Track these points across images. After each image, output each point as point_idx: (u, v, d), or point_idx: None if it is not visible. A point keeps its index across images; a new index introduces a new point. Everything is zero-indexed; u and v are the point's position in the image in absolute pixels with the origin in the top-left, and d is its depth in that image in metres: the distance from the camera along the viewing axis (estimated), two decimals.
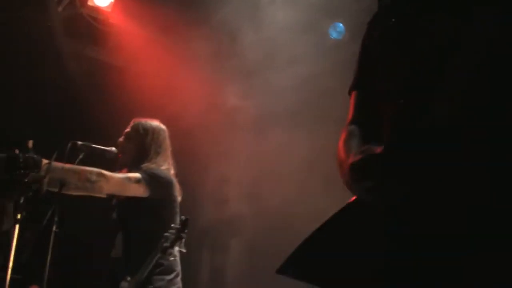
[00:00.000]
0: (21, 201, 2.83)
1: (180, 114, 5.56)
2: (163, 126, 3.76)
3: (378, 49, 1.64)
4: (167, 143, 3.72)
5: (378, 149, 1.38)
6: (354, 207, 1.45)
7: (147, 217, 3.43)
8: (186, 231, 3.18)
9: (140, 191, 3.35)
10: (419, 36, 1.49)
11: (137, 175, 3.36)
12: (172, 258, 3.26)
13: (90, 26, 5.93)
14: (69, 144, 3.40)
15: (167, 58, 6.00)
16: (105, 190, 3.25)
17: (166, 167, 3.60)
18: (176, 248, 3.20)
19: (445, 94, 1.31)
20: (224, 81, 5.84)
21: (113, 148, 3.63)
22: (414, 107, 1.39)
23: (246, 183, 6.40)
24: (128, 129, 3.71)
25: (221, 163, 6.63)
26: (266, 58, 5.60)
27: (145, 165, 3.50)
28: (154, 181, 3.40)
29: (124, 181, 3.31)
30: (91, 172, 3.16)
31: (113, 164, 3.67)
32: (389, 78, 1.56)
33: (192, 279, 6.60)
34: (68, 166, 3.13)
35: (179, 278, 3.48)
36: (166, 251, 3.16)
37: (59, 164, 3.04)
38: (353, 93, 1.76)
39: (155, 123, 3.75)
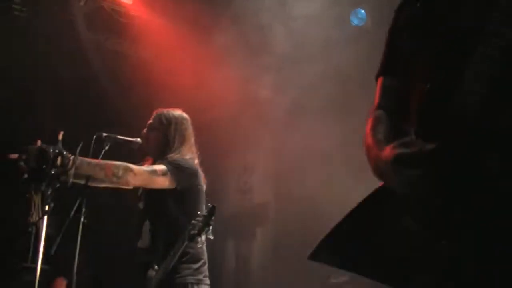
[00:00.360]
0: (49, 192, 2.87)
1: (205, 105, 5.58)
2: (185, 115, 3.76)
3: (405, 35, 1.64)
4: (190, 132, 3.73)
5: (429, 145, 1.35)
6: (384, 194, 1.45)
7: (173, 207, 3.46)
8: (213, 218, 3.20)
9: (166, 183, 3.37)
10: (445, 19, 1.49)
11: (162, 167, 3.38)
12: (199, 246, 3.28)
13: (111, 19, 5.96)
14: (95, 136, 3.44)
15: (190, 49, 6.01)
16: (132, 184, 3.26)
17: (190, 156, 3.62)
18: (204, 236, 3.22)
19: (473, 79, 1.30)
20: (251, 73, 5.83)
21: (138, 139, 3.66)
22: (442, 93, 1.38)
23: (271, 172, 6.42)
24: (151, 121, 3.72)
25: (247, 153, 6.66)
26: (294, 50, 5.58)
27: (169, 156, 3.52)
28: (180, 172, 3.42)
29: (151, 174, 3.33)
30: (117, 167, 3.16)
31: (138, 155, 3.70)
32: (415, 63, 1.56)
33: (218, 267, 6.66)
34: (94, 161, 3.13)
35: (205, 267, 3.51)
36: (194, 239, 3.18)
37: (85, 160, 3.06)
38: (380, 79, 1.76)
39: (178, 112, 3.76)
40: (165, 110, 3.74)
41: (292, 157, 5.85)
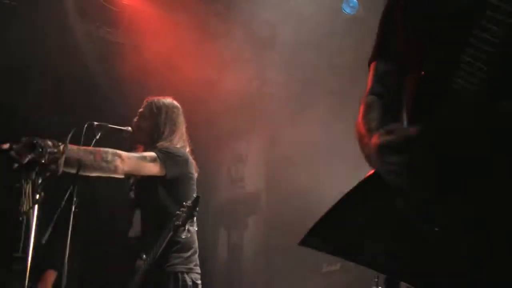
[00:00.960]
0: (39, 182, 2.86)
1: (198, 95, 5.57)
2: (176, 103, 3.76)
3: (400, 17, 1.62)
4: (182, 120, 3.72)
5: (411, 130, 1.34)
6: (375, 181, 1.45)
7: (163, 195, 3.46)
8: (197, 209, 3.20)
9: (156, 170, 3.37)
10: (443, 1, 1.47)
11: (152, 154, 3.37)
12: (186, 236, 3.28)
13: (103, 8, 5.92)
14: (86, 125, 3.43)
15: (184, 38, 5.99)
16: (121, 169, 3.26)
17: (182, 144, 3.62)
18: (188, 227, 3.23)
19: (472, 57, 1.28)
20: (247, 64, 5.81)
21: (129, 128, 3.66)
22: (440, 75, 1.37)
23: (263, 162, 6.44)
24: (141, 109, 3.72)
25: (239, 142, 6.66)
26: (290, 42, 5.56)
27: (160, 144, 3.52)
28: (170, 159, 3.42)
29: (140, 160, 3.33)
30: (106, 152, 3.17)
31: (128, 144, 3.69)
32: (411, 48, 1.55)
33: (210, 256, 6.68)
34: (83, 147, 3.15)
35: (196, 256, 3.51)
36: (178, 230, 3.19)
37: (74, 146, 3.07)
38: (372, 64, 1.73)
39: (168, 100, 3.75)
40: (155, 98, 3.74)
41: (284, 146, 5.86)
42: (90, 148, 3.20)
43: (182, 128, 3.71)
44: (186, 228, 3.21)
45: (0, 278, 4.98)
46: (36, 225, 2.93)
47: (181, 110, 3.75)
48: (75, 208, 3.11)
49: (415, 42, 1.53)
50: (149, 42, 6.14)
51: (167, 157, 3.41)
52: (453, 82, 1.31)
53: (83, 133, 3.37)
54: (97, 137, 3.47)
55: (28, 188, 2.85)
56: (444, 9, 1.45)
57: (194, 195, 3.26)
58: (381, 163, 1.38)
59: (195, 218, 3.20)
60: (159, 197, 3.46)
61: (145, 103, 3.74)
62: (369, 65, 1.76)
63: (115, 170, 3.23)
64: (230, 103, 5.93)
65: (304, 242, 1.47)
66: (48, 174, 2.89)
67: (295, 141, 5.62)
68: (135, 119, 3.71)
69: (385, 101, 1.63)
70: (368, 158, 1.49)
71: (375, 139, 1.42)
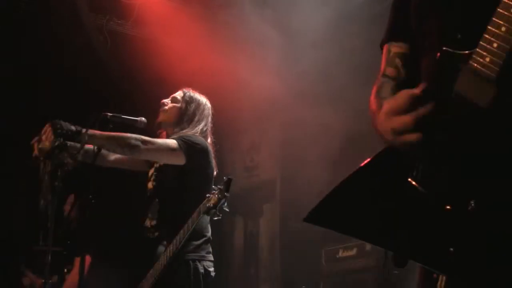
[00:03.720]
0: (58, 173, 2.90)
1: (211, 84, 5.57)
2: (209, 103, 3.79)
3: (414, 2, 1.62)
4: (209, 120, 3.75)
5: (415, 90, 1.33)
6: (386, 158, 1.45)
7: (182, 185, 3.48)
8: (229, 190, 3.21)
9: (177, 158, 3.39)
10: None
11: (173, 141, 3.40)
12: (218, 217, 3.28)
13: (113, 0, 5.94)
14: (100, 116, 3.46)
15: (194, 28, 5.98)
16: (144, 154, 3.31)
17: (204, 135, 3.65)
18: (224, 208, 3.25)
19: (491, 43, 1.27)
20: (259, 52, 5.79)
21: (143, 118, 3.68)
22: (455, 59, 1.35)
23: (277, 149, 6.44)
24: (175, 94, 3.75)
25: (253, 130, 6.67)
26: (299, 30, 5.53)
27: (184, 131, 3.55)
28: (190, 148, 3.43)
29: (162, 146, 3.36)
30: (129, 137, 3.22)
31: (144, 134, 3.72)
32: (427, 28, 1.54)
33: (227, 243, 6.72)
34: (106, 132, 3.22)
35: (209, 244, 3.52)
36: (209, 212, 3.19)
37: (97, 131, 3.14)
38: (385, 47, 1.73)
39: (203, 96, 3.80)
40: (192, 90, 3.78)
41: (299, 133, 5.85)
42: (113, 133, 3.24)
43: (208, 122, 3.74)
44: (217, 209, 3.21)
45: (20, 269, 5.05)
46: (55, 215, 2.97)
47: (211, 110, 3.78)
48: (91, 199, 3.15)
49: (433, 22, 1.52)
50: (160, 33, 6.15)
51: (188, 146, 3.42)
52: (472, 60, 1.30)
53: (97, 124, 3.40)
54: (111, 126, 3.50)
55: (47, 179, 2.89)
56: None
57: (225, 178, 3.26)
58: (390, 129, 1.36)
59: (226, 200, 3.20)
60: (178, 185, 3.48)
61: (180, 90, 3.77)
62: (381, 47, 1.76)
63: (138, 154, 3.30)
64: (243, 92, 5.93)
65: (308, 219, 1.47)
66: (66, 165, 2.93)
67: (309, 127, 5.61)
68: (165, 100, 3.73)
69: (398, 82, 1.63)
70: (377, 131, 1.49)
71: (383, 108, 1.42)
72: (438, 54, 1.39)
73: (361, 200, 1.46)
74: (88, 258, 4.52)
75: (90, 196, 3.11)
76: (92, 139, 3.11)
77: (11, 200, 5.56)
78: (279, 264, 6.17)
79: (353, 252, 4.88)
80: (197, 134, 3.58)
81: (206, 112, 3.74)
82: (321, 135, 5.43)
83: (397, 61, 1.66)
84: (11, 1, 5.53)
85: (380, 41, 1.76)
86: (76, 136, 3.05)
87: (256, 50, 5.77)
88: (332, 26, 5.23)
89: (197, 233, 3.43)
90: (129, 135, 3.24)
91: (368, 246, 4.62)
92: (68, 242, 3.99)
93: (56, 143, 2.97)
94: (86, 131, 3.06)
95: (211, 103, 3.85)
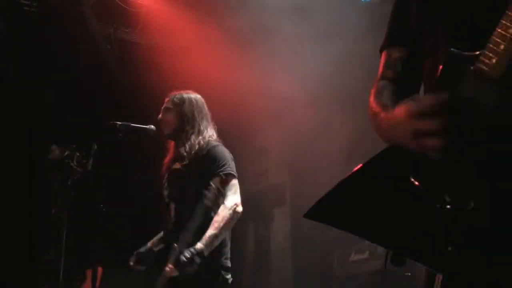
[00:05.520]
0: (69, 182, 2.92)
1: (218, 90, 5.59)
2: (198, 95, 3.82)
3: (415, 4, 1.65)
4: (206, 109, 3.77)
5: (441, 96, 1.33)
6: (386, 157, 1.47)
7: (200, 191, 3.52)
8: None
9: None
10: None
11: (234, 180, 3.57)
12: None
13: (119, 8, 5.97)
14: (109, 125, 3.47)
15: (200, 35, 6.00)
16: (240, 213, 3.50)
17: (211, 133, 3.70)
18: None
19: (498, 45, 1.28)
20: (265, 56, 5.80)
21: (152, 126, 3.69)
22: (461, 61, 1.37)
23: (286, 153, 6.44)
24: (164, 105, 3.76)
25: (261, 135, 6.67)
26: (303, 32, 5.53)
27: (192, 137, 3.56)
28: (233, 167, 3.61)
29: (238, 190, 3.58)
30: (229, 219, 3.41)
31: (152, 141, 3.73)
32: (430, 32, 1.57)
33: (238, 248, 6.71)
34: (213, 232, 3.32)
35: (226, 249, 3.56)
36: (209, 208, 3.30)
37: (207, 239, 3.27)
38: (384, 52, 1.77)
39: (189, 92, 3.82)
40: (176, 92, 3.79)
41: (307, 136, 5.85)
42: (216, 229, 3.34)
43: (208, 116, 3.77)
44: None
45: (33, 279, 5.07)
46: (67, 225, 2.99)
47: (203, 100, 3.80)
48: (102, 207, 3.17)
49: (437, 24, 1.55)
50: (167, 40, 6.17)
51: (233, 171, 3.59)
52: (478, 62, 1.31)
53: (106, 133, 3.42)
54: (120, 134, 3.51)
55: (58, 188, 2.91)
56: None
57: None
58: (411, 130, 1.35)
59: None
60: (195, 192, 3.48)
61: (166, 99, 3.78)
62: (380, 52, 1.79)
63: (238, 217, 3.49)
64: (251, 97, 5.94)
65: (309, 215, 1.50)
66: (77, 173, 2.95)
67: (317, 131, 5.61)
68: (159, 115, 3.74)
69: (398, 85, 1.66)
70: (385, 131, 1.51)
71: (401, 109, 1.42)
72: (445, 54, 1.40)
73: (360, 198, 1.47)
74: (100, 269, 4.53)
75: (101, 205, 3.13)
76: (208, 249, 3.27)
77: (24, 209, 5.58)
78: (290, 268, 6.16)
79: (365, 255, 4.87)
80: (208, 135, 3.61)
81: (200, 104, 3.76)
82: (330, 138, 5.43)
83: (398, 65, 1.70)
84: (19, 11, 5.58)
85: (380, 46, 1.79)
86: (200, 258, 3.21)
87: (264, 54, 5.77)
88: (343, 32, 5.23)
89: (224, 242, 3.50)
90: (225, 216, 3.39)
91: (380, 249, 4.61)
92: (80, 252, 4.01)
93: (66, 153, 2.99)
94: (202, 251, 3.23)
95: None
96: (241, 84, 5.91)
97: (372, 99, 1.64)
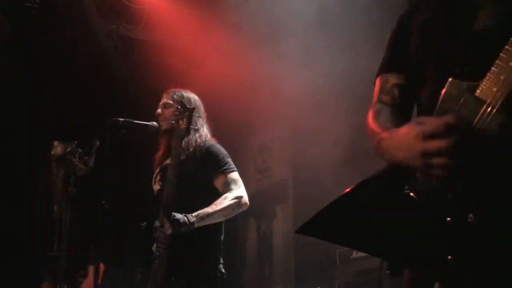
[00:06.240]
0: (71, 179, 2.92)
1: (220, 86, 5.58)
2: (195, 95, 3.85)
3: (414, 38, 1.77)
4: (203, 108, 3.82)
5: (448, 117, 1.44)
6: (379, 177, 1.58)
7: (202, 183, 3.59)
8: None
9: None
10: (463, 24, 1.61)
11: (235, 173, 3.62)
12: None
13: (122, 5, 5.96)
14: (111, 122, 3.47)
15: (202, 32, 6.00)
16: (244, 206, 3.57)
17: (207, 132, 3.75)
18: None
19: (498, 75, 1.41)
20: (267, 52, 5.79)
21: (154, 123, 3.69)
22: (460, 89, 1.49)
23: (289, 150, 6.43)
24: (163, 100, 3.77)
25: (264, 132, 6.67)
26: (312, 28, 5.52)
27: (189, 135, 3.58)
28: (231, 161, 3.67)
29: (242, 184, 3.62)
30: (229, 205, 3.47)
31: (154, 138, 3.73)
32: (428, 60, 1.69)
33: (240, 245, 6.72)
34: (210, 210, 3.39)
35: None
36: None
37: (203, 214, 3.35)
38: (380, 77, 1.88)
39: (188, 91, 3.84)
40: (175, 89, 3.82)
41: (310, 134, 5.84)
42: (214, 208, 3.42)
43: (204, 116, 3.82)
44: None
45: (35, 276, 5.08)
46: (69, 222, 2.99)
47: (200, 100, 3.84)
48: (104, 204, 3.17)
49: (438, 54, 1.67)
50: (170, 37, 6.16)
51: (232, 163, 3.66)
52: (479, 89, 1.44)
53: (108, 130, 3.42)
54: (123, 131, 3.51)
55: (60, 184, 2.92)
56: (469, 27, 1.60)
57: None
58: (420, 150, 1.45)
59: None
60: (190, 187, 3.51)
61: (165, 94, 3.79)
62: (376, 77, 1.91)
63: (241, 210, 3.58)
64: (255, 93, 5.93)
65: (301, 231, 1.59)
66: (78, 170, 2.95)
67: (321, 128, 5.60)
68: (158, 110, 3.75)
69: (393, 109, 1.80)
70: (387, 150, 1.61)
71: (405, 130, 1.52)
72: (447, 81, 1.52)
73: (358, 213, 1.58)
74: (102, 266, 4.53)
75: (104, 202, 3.13)
76: (200, 223, 3.34)
77: (26, 205, 5.59)
78: (293, 265, 6.16)
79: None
80: (204, 133, 3.66)
81: (198, 104, 3.79)
82: (334, 136, 5.42)
83: (395, 90, 1.82)
84: (21, 8, 5.58)
85: (377, 71, 1.90)
86: (191, 226, 3.28)
87: (267, 51, 5.77)
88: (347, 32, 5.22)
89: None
90: (226, 202, 3.46)
91: None
92: (82, 248, 4.01)
93: (68, 149, 2.99)
94: (197, 215, 3.32)
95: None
96: (245, 81, 5.90)
97: (371, 120, 1.78)
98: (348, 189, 1.57)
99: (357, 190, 1.56)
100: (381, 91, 1.85)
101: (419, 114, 1.74)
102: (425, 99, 1.70)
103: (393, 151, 1.57)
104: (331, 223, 1.58)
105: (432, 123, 1.45)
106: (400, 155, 1.53)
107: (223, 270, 3.51)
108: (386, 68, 1.88)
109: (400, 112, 1.78)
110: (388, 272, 1.53)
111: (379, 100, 1.84)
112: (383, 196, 1.54)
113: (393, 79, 1.83)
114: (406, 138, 1.50)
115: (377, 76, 1.90)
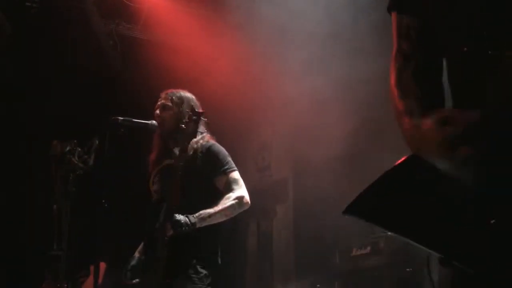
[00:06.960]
0: (71, 177, 2.92)
1: (220, 85, 5.58)
2: (193, 96, 3.84)
3: None
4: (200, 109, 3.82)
5: (473, 116, 1.23)
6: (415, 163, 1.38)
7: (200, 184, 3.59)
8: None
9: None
10: None
11: (235, 173, 3.64)
12: None
13: (122, 4, 5.97)
14: (110, 120, 3.47)
15: (202, 31, 6.00)
16: (245, 206, 3.63)
17: (205, 132, 3.72)
18: None
19: None
20: (267, 51, 5.79)
21: (154, 122, 3.69)
22: (486, 57, 1.28)
23: (288, 148, 6.43)
24: (162, 101, 3.76)
25: (263, 130, 6.67)
26: (305, 28, 5.51)
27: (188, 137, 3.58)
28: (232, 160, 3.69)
29: (243, 184, 3.65)
30: (230, 206, 3.50)
31: (154, 137, 3.73)
32: (450, 26, 1.45)
33: (240, 244, 6.72)
34: (212, 211, 3.42)
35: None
36: None
37: (205, 215, 3.37)
38: (395, 15, 1.58)
39: (186, 92, 3.83)
40: (174, 90, 3.81)
41: (310, 132, 5.84)
42: (216, 209, 3.44)
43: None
44: None
45: (36, 275, 5.08)
46: (69, 221, 2.99)
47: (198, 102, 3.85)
48: (104, 203, 3.17)
49: (458, 19, 1.42)
50: (169, 36, 6.17)
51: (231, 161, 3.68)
52: (504, 57, 1.22)
53: (108, 129, 3.42)
54: (122, 130, 3.51)
55: (59, 182, 2.92)
56: None
57: None
58: (449, 156, 1.27)
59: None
60: (191, 187, 3.51)
61: (163, 95, 3.79)
62: (389, 12, 1.61)
63: (242, 210, 3.63)
64: (254, 92, 5.94)
65: (349, 211, 1.38)
66: (78, 169, 2.95)
67: (321, 127, 5.60)
68: (156, 111, 3.75)
69: (418, 66, 1.51)
70: (412, 141, 1.41)
71: (431, 127, 1.33)
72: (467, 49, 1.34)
73: (401, 197, 1.37)
74: (102, 265, 4.53)
75: (103, 201, 3.13)
76: (202, 223, 3.35)
77: (26, 204, 5.60)
78: (293, 264, 6.17)
79: (367, 250, 4.86)
80: (204, 136, 3.65)
81: (196, 105, 3.78)
82: (333, 135, 5.42)
83: (411, 34, 1.53)
84: (21, 8, 5.58)
85: (388, 5, 1.61)
86: (192, 227, 3.29)
87: (267, 51, 5.77)
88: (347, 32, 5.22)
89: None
90: (228, 202, 3.49)
91: (381, 244, 4.61)
92: (82, 247, 4.02)
93: (68, 148, 2.99)
94: (198, 216, 3.34)
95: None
96: (245, 80, 5.91)
97: (393, 82, 1.51)
98: (401, 160, 1.36)
99: (408, 163, 1.35)
100: (399, 34, 1.55)
101: (456, 97, 1.47)
102: (458, 78, 1.44)
103: (418, 143, 1.38)
104: (381, 203, 1.37)
105: (453, 123, 1.26)
106: (425, 155, 1.34)
107: (222, 268, 3.53)
108: (397, 5, 1.57)
109: (425, 69, 1.48)
110: (439, 263, 1.36)
111: (399, 48, 1.54)
112: (426, 181, 1.34)
113: (407, 21, 1.54)
114: (431, 136, 1.31)
115: (389, 10, 1.60)
